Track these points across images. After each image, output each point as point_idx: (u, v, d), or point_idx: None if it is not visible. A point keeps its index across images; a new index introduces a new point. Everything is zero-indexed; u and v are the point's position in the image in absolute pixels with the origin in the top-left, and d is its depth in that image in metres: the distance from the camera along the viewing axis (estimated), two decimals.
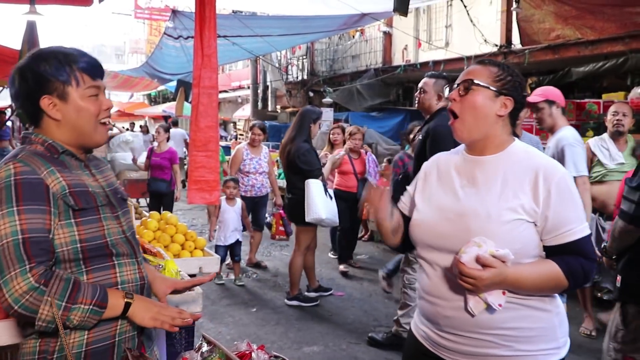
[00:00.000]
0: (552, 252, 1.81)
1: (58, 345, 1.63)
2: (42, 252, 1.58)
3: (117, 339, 1.72)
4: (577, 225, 1.79)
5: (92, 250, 1.67)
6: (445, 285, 1.86)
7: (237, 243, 6.43)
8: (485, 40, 10.17)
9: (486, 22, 10.62)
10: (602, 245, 3.02)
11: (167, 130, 8.29)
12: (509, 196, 1.80)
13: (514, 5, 8.98)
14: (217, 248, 6.22)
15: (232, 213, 6.37)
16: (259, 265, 7.13)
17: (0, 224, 1.56)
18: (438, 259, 1.89)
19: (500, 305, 1.72)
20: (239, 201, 6.49)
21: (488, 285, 1.69)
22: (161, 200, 7.85)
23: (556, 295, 1.89)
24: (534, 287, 1.77)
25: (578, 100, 7.97)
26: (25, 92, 1.70)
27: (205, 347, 1.73)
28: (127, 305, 1.68)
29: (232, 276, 6.53)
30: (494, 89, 1.87)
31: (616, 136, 4.81)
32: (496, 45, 10.18)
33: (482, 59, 2.00)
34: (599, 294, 5.22)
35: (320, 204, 5.23)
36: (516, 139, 1.96)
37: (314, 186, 5.27)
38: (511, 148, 1.90)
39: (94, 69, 1.75)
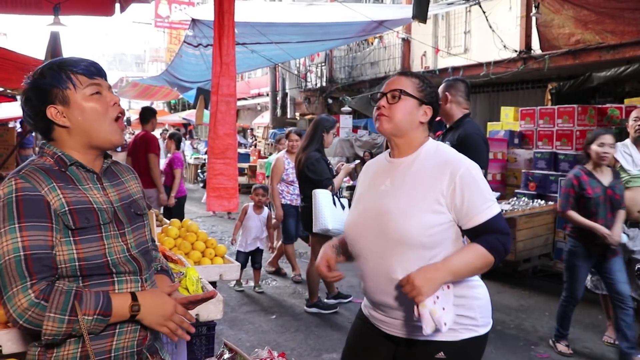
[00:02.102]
0: (471, 234, 2.04)
1: (54, 356, 1.65)
2: (45, 269, 1.59)
3: (112, 355, 1.71)
4: (484, 207, 2.01)
5: (90, 268, 1.67)
6: (372, 275, 2.12)
7: (258, 251, 6.43)
8: (504, 46, 10.12)
9: (505, 27, 10.57)
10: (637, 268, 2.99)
11: (172, 137, 8.24)
12: (423, 192, 2.03)
13: (533, 10, 8.92)
14: (238, 254, 6.25)
15: (256, 221, 6.37)
16: (279, 272, 7.13)
17: (3, 241, 1.58)
18: (367, 255, 2.12)
19: (445, 324, 1.86)
20: (265, 210, 6.47)
21: (425, 283, 1.85)
22: (169, 209, 7.26)
23: (476, 285, 2.15)
24: (467, 270, 1.99)
25: (599, 106, 7.90)
26: (33, 110, 1.73)
27: (227, 354, 1.73)
28: (135, 312, 1.68)
29: (251, 283, 6.55)
30: (418, 98, 2.13)
31: (639, 142, 4.74)
32: (515, 51, 10.13)
33: (404, 71, 2.27)
34: None
35: (328, 214, 5.18)
36: (430, 138, 2.20)
37: (321, 196, 5.23)
38: (424, 147, 2.15)
39: (90, 68, 1.76)
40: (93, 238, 1.68)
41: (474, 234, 2.03)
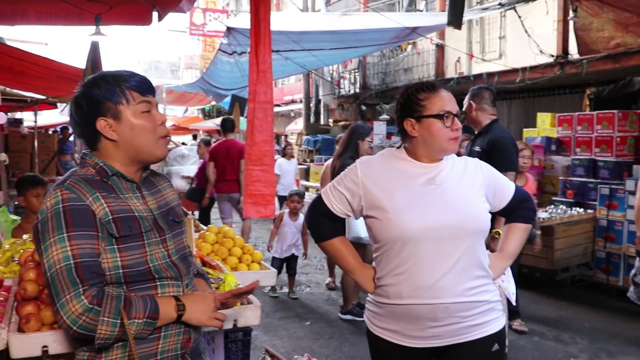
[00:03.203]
0: (505, 212, 2.35)
1: None
2: (94, 275, 1.63)
3: (158, 357, 1.75)
4: (507, 185, 2.33)
5: (134, 275, 1.71)
6: (433, 279, 2.07)
7: (293, 257, 6.44)
8: (540, 51, 9.98)
9: (541, 32, 10.42)
10: None
11: (207, 144, 8.54)
12: (473, 186, 2.18)
13: (571, 14, 8.78)
14: (273, 260, 6.27)
15: (292, 228, 6.38)
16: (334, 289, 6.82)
17: (53, 250, 1.62)
18: (430, 256, 2.07)
19: (513, 293, 2.40)
20: (301, 217, 6.46)
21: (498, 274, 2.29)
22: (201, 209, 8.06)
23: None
24: (520, 247, 2.40)
25: None
26: (82, 119, 1.76)
27: None
28: (181, 312, 1.73)
29: (286, 289, 6.57)
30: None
31: None
32: (552, 56, 9.97)
33: (440, 84, 2.29)
34: None
35: (361, 222, 5.18)
36: None
37: None
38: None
39: (143, 85, 1.79)
40: (136, 246, 1.72)
41: (508, 211, 2.34)
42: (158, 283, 1.76)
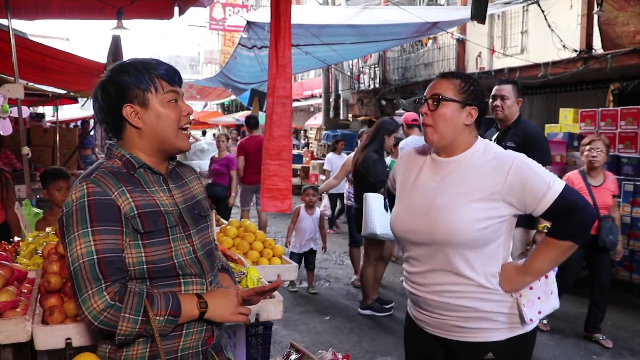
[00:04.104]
0: (547, 216, 2.03)
1: (124, 355, 1.69)
2: (117, 271, 1.62)
3: (179, 354, 1.74)
4: (545, 189, 1.97)
5: (158, 271, 1.70)
6: (419, 272, 2.13)
7: (312, 251, 6.44)
8: (563, 46, 9.84)
9: (564, 26, 10.27)
10: None
11: (228, 138, 8.58)
12: (476, 188, 2.01)
13: (596, 8, 8.65)
14: (292, 255, 6.25)
15: (309, 222, 6.38)
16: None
17: (77, 244, 1.61)
18: (415, 251, 2.13)
19: (540, 312, 2.06)
20: (318, 210, 6.47)
21: (513, 289, 2.05)
22: (217, 205, 7.67)
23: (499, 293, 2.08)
24: (552, 265, 2.05)
25: None
26: (108, 104, 1.74)
27: (294, 355, 1.74)
28: (203, 310, 1.71)
29: (305, 284, 6.57)
30: (460, 100, 2.07)
31: None
32: (575, 51, 9.83)
33: (445, 73, 2.18)
34: None
35: (377, 219, 5.13)
36: (479, 138, 2.16)
37: (371, 200, 5.19)
38: (474, 147, 2.11)
39: (172, 75, 1.77)
40: (160, 241, 1.70)
41: (551, 216, 2.02)
42: (182, 280, 1.74)
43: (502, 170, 2.00)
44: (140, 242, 1.68)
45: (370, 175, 5.32)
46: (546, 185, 1.97)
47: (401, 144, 6.28)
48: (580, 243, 2.00)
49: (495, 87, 4.21)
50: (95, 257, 1.60)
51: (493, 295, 2.04)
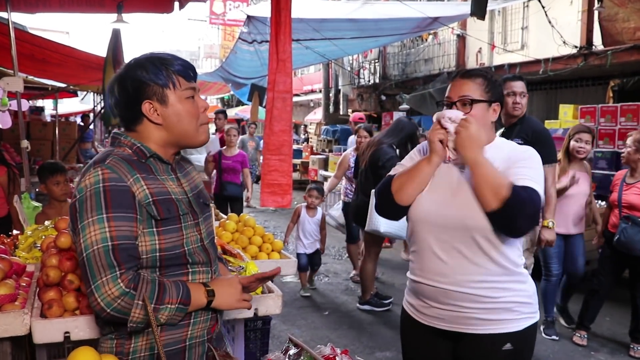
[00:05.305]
0: None
1: (132, 347, 1.69)
2: (131, 258, 1.61)
3: (187, 343, 1.75)
4: (528, 178, 1.96)
5: (169, 259, 1.70)
6: (440, 265, 2.09)
7: (317, 252, 6.27)
8: (564, 42, 9.83)
9: (565, 22, 10.26)
10: None
11: (238, 132, 8.26)
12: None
13: (596, 4, 8.64)
14: (299, 256, 6.03)
15: (312, 224, 6.17)
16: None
17: (91, 230, 1.59)
18: (437, 243, 2.08)
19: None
20: (319, 212, 6.29)
21: (474, 136, 1.98)
22: (232, 204, 7.40)
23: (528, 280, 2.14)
24: (487, 174, 1.94)
25: None
26: (125, 100, 1.72)
27: (292, 350, 1.74)
28: (210, 298, 1.73)
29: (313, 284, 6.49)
30: (487, 100, 2.10)
31: None
32: (576, 47, 9.82)
33: (466, 72, 2.16)
34: None
35: (381, 217, 5.07)
36: (497, 135, 2.20)
37: None
38: (493, 143, 2.13)
39: (188, 71, 1.77)
40: (174, 229, 1.71)
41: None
42: (190, 270, 1.76)
43: (509, 163, 2.04)
44: (154, 229, 1.67)
45: (386, 171, 5.22)
46: (528, 178, 1.98)
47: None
48: (509, 201, 1.90)
49: (510, 84, 4.12)
50: (110, 243, 1.58)
51: (515, 284, 2.08)
